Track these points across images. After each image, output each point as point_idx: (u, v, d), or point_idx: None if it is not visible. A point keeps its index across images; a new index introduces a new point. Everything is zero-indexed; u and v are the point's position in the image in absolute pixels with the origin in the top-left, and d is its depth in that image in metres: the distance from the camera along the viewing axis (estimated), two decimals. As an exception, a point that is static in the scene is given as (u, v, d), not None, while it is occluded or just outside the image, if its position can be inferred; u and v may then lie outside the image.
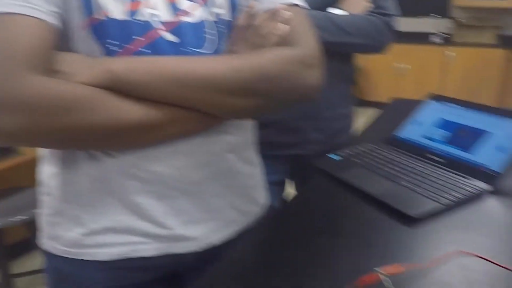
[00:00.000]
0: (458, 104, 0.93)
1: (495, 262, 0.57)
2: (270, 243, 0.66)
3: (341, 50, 1.04)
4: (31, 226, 1.45)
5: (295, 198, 0.81)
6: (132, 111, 0.51)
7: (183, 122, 0.56)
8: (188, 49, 0.57)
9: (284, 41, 0.58)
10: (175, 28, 0.56)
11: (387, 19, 1.02)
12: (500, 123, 0.84)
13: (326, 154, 0.92)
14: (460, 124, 0.89)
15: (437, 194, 0.73)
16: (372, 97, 4.19)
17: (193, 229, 0.63)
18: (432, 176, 0.80)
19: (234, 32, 0.61)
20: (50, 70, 0.49)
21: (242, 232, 0.69)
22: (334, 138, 1.11)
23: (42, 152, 0.65)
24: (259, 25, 0.59)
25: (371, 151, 0.93)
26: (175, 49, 0.56)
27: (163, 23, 0.55)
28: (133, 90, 0.51)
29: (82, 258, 0.61)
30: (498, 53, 3.89)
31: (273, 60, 0.56)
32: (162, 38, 0.55)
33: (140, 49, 0.54)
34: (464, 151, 0.84)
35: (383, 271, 0.52)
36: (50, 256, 0.65)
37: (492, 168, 0.79)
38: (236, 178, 0.67)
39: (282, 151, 1.09)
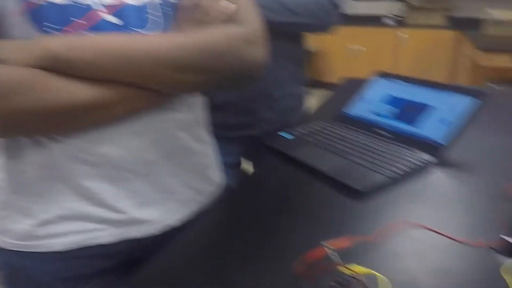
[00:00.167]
0: (403, 81, 0.94)
1: (440, 232, 0.59)
2: (223, 224, 0.66)
3: (289, 30, 1.04)
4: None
5: (248, 178, 0.80)
6: (76, 91, 0.49)
7: (131, 100, 0.54)
8: (132, 30, 0.55)
9: (229, 20, 0.58)
10: (118, 10, 0.54)
11: None
12: (443, 97, 0.86)
13: (278, 133, 0.92)
14: (406, 99, 0.91)
15: (384, 168, 0.74)
16: (328, 78, 4.24)
17: (149, 211, 0.62)
18: (379, 150, 0.81)
19: (179, 12, 0.60)
20: None
21: (199, 212, 0.68)
22: (286, 117, 1.11)
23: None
24: (205, 4, 0.58)
25: (322, 129, 0.93)
26: (119, 31, 0.54)
27: (105, 6, 0.53)
28: (75, 69, 0.49)
29: (36, 251, 0.59)
30: (448, 35, 4.02)
31: (218, 37, 0.56)
32: (104, 20, 0.53)
33: (81, 31, 0.52)
34: (410, 125, 0.86)
35: (330, 245, 0.53)
36: (1, 251, 0.62)
37: (436, 141, 0.81)
38: (189, 157, 0.66)
39: (235, 132, 1.09)
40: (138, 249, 0.65)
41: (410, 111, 0.88)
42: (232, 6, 0.58)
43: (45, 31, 0.50)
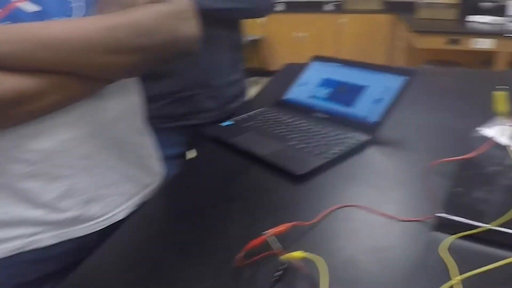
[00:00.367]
0: (339, 63, 0.96)
1: (376, 210, 0.60)
2: (162, 216, 0.64)
3: (225, 17, 1.02)
4: None
5: (189, 167, 0.79)
6: (2, 82, 0.46)
7: (63, 88, 0.52)
8: (53, 17, 0.52)
9: (155, 1, 0.57)
10: None
11: None
12: (377, 78, 0.88)
13: (218, 123, 0.91)
14: (341, 81, 0.92)
15: (321, 150, 0.75)
16: (274, 66, 4.27)
17: (92, 208, 0.60)
18: (317, 133, 0.82)
19: None
20: None
21: (141, 204, 0.67)
22: (227, 105, 1.10)
23: None
24: None
25: (261, 115, 0.93)
26: (39, 19, 0.51)
27: None
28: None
29: None
30: (385, 18, 4.17)
31: (147, 14, 0.55)
32: (20, 9, 0.49)
33: None
34: (346, 107, 0.88)
35: (270, 232, 0.52)
36: None
37: (370, 120, 0.83)
38: (128, 148, 0.65)
39: (177, 123, 1.07)
40: (82, 248, 0.62)
41: (346, 92, 0.90)
42: None
43: None
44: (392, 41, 4.20)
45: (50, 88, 0.50)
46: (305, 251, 0.49)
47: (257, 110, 0.96)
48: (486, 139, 0.82)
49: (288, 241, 0.53)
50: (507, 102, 0.67)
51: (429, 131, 0.89)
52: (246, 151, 0.78)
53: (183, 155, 1.16)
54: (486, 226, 0.52)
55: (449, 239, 0.53)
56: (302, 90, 0.97)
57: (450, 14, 3.77)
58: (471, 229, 0.53)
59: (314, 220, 0.58)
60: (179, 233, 0.58)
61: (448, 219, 0.55)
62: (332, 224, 0.58)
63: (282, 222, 0.54)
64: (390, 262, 0.51)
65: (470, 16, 3.70)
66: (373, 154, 0.78)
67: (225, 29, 1.06)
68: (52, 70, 0.49)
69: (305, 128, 0.85)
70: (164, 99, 1.02)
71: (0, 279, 0.58)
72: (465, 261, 0.49)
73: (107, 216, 0.62)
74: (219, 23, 1.02)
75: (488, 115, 0.90)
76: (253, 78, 3.77)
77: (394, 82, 0.84)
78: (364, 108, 0.85)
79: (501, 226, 0.52)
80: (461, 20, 3.72)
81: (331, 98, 0.91)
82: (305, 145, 0.77)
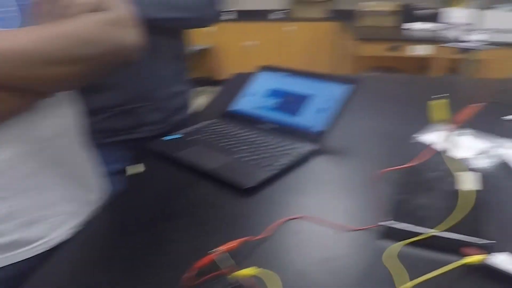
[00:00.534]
0: (285, 73, 0.96)
1: (324, 220, 0.60)
2: (105, 235, 0.61)
3: (168, 26, 0.99)
4: None
5: (133, 184, 0.75)
6: None
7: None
8: None
9: (93, 10, 0.55)
10: None
11: None
12: (322, 87, 0.89)
13: (162, 137, 0.88)
14: (288, 91, 0.92)
15: (269, 162, 0.74)
16: (224, 75, 4.26)
17: (32, 230, 0.57)
18: (264, 144, 0.81)
19: (37, 6, 0.54)
20: None
21: (85, 223, 0.64)
22: (172, 117, 1.07)
23: None
24: None
25: (207, 127, 0.91)
26: None
27: None
28: None
29: None
30: (331, 26, 4.29)
31: (85, 23, 0.53)
32: None
33: None
34: (293, 116, 0.88)
35: (221, 249, 0.51)
36: None
37: (317, 129, 0.83)
38: (68, 166, 0.62)
39: (119, 137, 1.02)
40: (26, 272, 0.57)
41: (292, 102, 0.90)
42: None
43: None
44: (337, 49, 4.32)
45: None
46: (257, 266, 0.48)
47: (204, 123, 0.94)
48: (425, 145, 0.85)
49: (239, 257, 0.51)
50: (445, 110, 0.70)
51: (372, 138, 0.91)
52: (192, 165, 0.75)
53: (125, 171, 1.11)
54: (430, 232, 0.53)
55: (397, 246, 0.54)
56: (249, 101, 0.96)
57: (391, 22, 3.94)
58: (417, 236, 0.54)
59: (265, 234, 0.57)
60: (123, 252, 0.55)
61: (394, 226, 0.56)
62: (282, 237, 0.57)
63: (232, 238, 0.53)
64: (340, 273, 0.50)
65: (407, 23, 3.89)
66: (319, 164, 0.78)
67: (168, 39, 1.03)
68: None
69: (253, 139, 0.84)
70: (106, 112, 0.98)
71: None
72: (413, 268, 0.50)
73: (48, 238, 0.60)
74: (162, 32, 0.99)
75: (426, 121, 0.94)
76: (202, 88, 3.74)
77: (339, 91, 0.85)
78: (310, 117, 0.85)
79: (445, 231, 0.53)
80: (400, 27, 3.90)
81: (278, 108, 0.91)
82: (252, 158, 0.76)
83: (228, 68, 4.33)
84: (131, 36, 0.59)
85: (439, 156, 0.69)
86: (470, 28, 3.44)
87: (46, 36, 0.50)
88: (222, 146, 0.82)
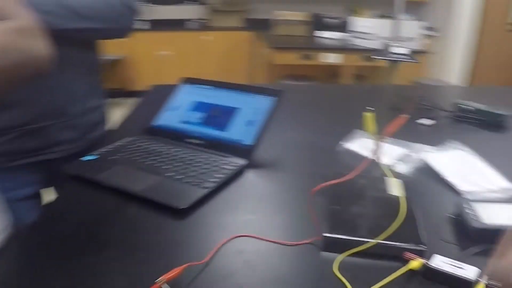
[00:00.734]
0: (208, 85, 0.93)
1: (265, 238, 0.58)
2: (15, 275, 0.52)
3: (80, 37, 0.91)
4: None
5: (48, 211, 0.67)
6: None
7: None
8: None
9: None
10: None
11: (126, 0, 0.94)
12: (247, 99, 0.87)
13: (79, 158, 0.80)
14: (213, 104, 0.90)
15: (202, 179, 0.71)
16: (137, 86, 4.10)
17: None
18: (194, 161, 0.78)
19: None
20: None
21: None
22: (87, 134, 0.99)
23: None
24: None
25: (129, 144, 0.85)
26: None
27: None
28: None
29: None
30: (247, 36, 4.35)
31: None
32: None
33: None
34: (220, 130, 0.85)
35: (162, 279, 0.47)
36: None
37: (245, 143, 0.82)
38: None
39: (27, 159, 0.92)
40: None
41: (218, 116, 0.87)
42: None
43: None
44: (253, 58, 4.39)
45: None
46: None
47: (125, 140, 0.88)
48: (351, 152, 0.87)
49: (183, 285, 0.48)
50: (374, 121, 0.72)
51: (299, 149, 0.92)
52: (116, 188, 0.69)
53: (38, 195, 1.00)
54: (373, 241, 0.54)
55: (339, 257, 0.54)
56: (173, 115, 0.92)
57: (303, 31, 4.10)
58: (357, 246, 0.55)
59: (207, 258, 0.54)
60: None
61: (334, 238, 0.56)
62: (225, 259, 0.54)
63: (173, 264, 0.50)
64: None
65: (318, 31, 4.07)
66: (252, 178, 0.76)
67: (80, 50, 0.95)
68: None
69: (181, 156, 0.80)
70: (10, 133, 0.87)
71: None
72: (357, 278, 0.50)
73: None
74: (74, 44, 0.91)
75: (347, 129, 0.97)
76: (115, 100, 3.56)
77: (264, 103, 0.85)
78: (238, 131, 0.84)
79: (386, 239, 0.55)
80: (312, 36, 4.07)
81: (204, 122, 0.88)
82: (183, 176, 0.72)
83: (142, 79, 4.19)
84: (39, 46, 0.54)
85: (367, 164, 0.72)
86: (375, 37, 3.70)
87: None
88: (149, 164, 0.77)
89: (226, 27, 4.34)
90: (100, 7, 0.88)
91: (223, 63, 4.38)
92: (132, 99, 1.20)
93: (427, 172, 0.79)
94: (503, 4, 4.38)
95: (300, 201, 0.69)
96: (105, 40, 1.02)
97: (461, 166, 0.80)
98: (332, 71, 3.85)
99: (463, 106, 1.14)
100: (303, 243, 0.57)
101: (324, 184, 0.61)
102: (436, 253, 0.52)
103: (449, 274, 0.49)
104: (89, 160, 0.79)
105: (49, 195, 1.05)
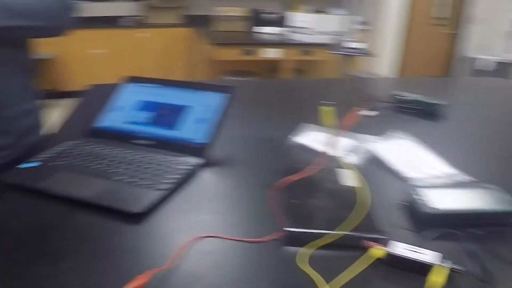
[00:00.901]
0: (154, 83, 0.90)
1: (227, 237, 0.57)
2: None
3: (10, 36, 0.84)
4: None
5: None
6: None
7: None
8: None
9: None
10: None
11: None
12: (196, 97, 0.85)
13: (16, 165, 0.74)
14: (161, 103, 0.87)
15: (155, 181, 0.68)
16: (71, 86, 3.89)
17: None
18: (145, 162, 0.75)
19: None
20: None
21: None
22: (22, 139, 0.92)
23: None
24: None
25: (72, 149, 0.80)
26: None
27: None
28: None
29: None
30: (185, 32, 4.27)
31: None
32: None
33: None
34: (170, 130, 0.82)
35: None
36: None
37: (199, 141, 0.80)
38: None
39: None
40: None
41: (168, 115, 0.85)
42: None
43: None
44: (193, 55, 4.33)
45: None
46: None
47: (67, 144, 0.82)
48: (302, 146, 0.88)
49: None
50: (331, 115, 0.73)
51: (251, 145, 0.91)
52: (62, 195, 0.65)
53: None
54: (337, 234, 0.55)
55: (302, 251, 0.54)
56: (117, 116, 0.87)
57: (242, 26, 4.10)
58: (319, 238, 0.55)
59: (172, 262, 0.51)
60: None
61: (296, 232, 0.56)
62: (189, 262, 0.53)
63: (135, 272, 0.47)
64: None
65: (257, 27, 4.10)
66: (208, 177, 0.75)
67: (9, 49, 0.88)
68: None
69: (130, 158, 0.76)
70: None
71: None
72: (323, 269, 0.51)
73: None
74: (4, 43, 0.84)
75: (295, 123, 0.98)
76: (48, 101, 3.36)
77: (215, 100, 0.84)
78: (189, 129, 0.81)
79: (346, 230, 0.56)
80: (251, 31, 4.09)
81: (152, 122, 0.84)
82: (134, 179, 0.69)
83: (75, 79, 3.98)
84: None
85: (326, 158, 0.73)
86: (312, 31, 3.79)
87: None
88: (96, 169, 0.72)
89: (163, 23, 4.24)
90: (34, 3, 0.82)
91: (160, 61, 4.28)
92: (65, 100, 1.12)
93: (375, 162, 0.82)
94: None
95: (258, 197, 0.68)
96: (38, 39, 0.95)
97: (406, 155, 0.84)
98: (272, 66, 3.90)
99: (400, 97, 1.19)
100: (266, 240, 0.57)
101: (285, 179, 0.61)
102: (393, 240, 0.54)
103: (414, 260, 0.50)
104: (28, 167, 0.73)
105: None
